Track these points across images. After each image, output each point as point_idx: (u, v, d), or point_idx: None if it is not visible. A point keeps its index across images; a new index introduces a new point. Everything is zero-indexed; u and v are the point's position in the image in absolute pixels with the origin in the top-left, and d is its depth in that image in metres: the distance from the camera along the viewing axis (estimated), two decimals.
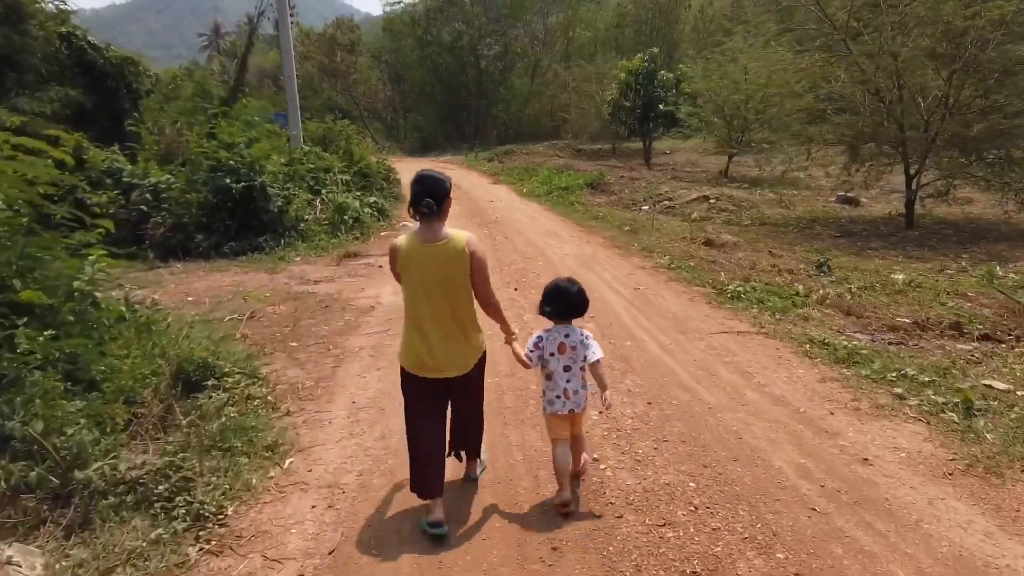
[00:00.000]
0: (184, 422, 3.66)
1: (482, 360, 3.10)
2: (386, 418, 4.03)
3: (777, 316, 5.78)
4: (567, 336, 3.05)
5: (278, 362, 5.09)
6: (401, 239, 2.91)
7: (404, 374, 3.01)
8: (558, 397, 3.04)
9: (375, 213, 12.08)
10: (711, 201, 13.75)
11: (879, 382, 4.38)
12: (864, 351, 4.87)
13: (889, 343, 5.20)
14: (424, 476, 2.95)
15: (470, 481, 3.32)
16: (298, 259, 9.16)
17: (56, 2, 13.29)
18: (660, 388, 4.39)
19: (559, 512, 2.99)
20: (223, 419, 3.73)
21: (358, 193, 12.41)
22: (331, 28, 42.03)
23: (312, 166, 12.05)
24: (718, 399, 4.23)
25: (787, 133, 13.15)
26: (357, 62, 41.65)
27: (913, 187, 10.97)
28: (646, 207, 14.63)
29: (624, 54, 31.80)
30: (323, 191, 11.73)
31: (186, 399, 3.93)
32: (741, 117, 18.02)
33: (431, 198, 2.80)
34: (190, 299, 7.06)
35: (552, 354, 3.05)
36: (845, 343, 5.01)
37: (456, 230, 2.91)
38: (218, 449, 3.48)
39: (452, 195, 2.93)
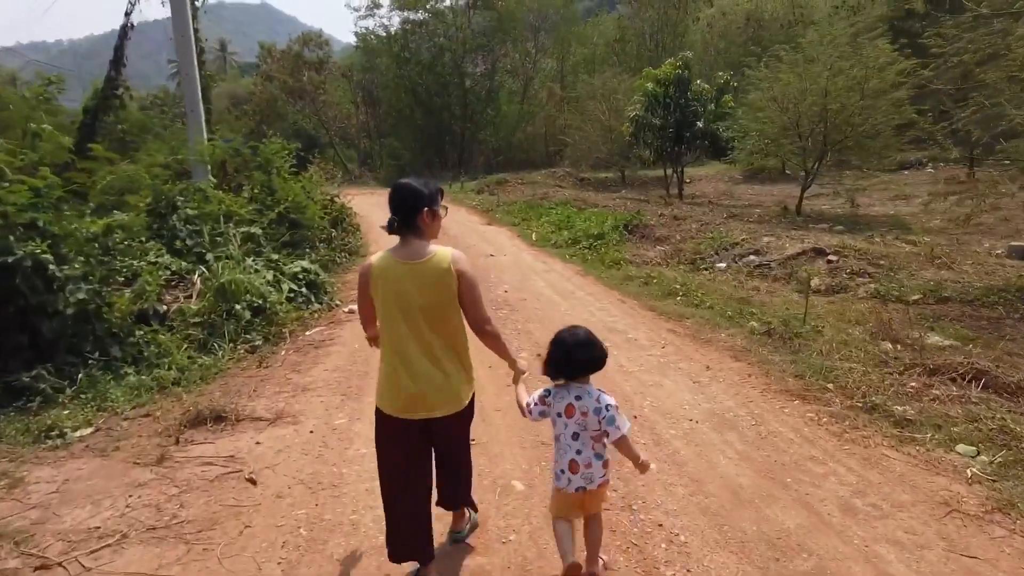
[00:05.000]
0: None
1: (473, 398, 2.59)
2: None
3: None
4: (578, 398, 2.38)
5: None
6: (375, 256, 2.46)
7: (380, 417, 2.47)
8: (563, 471, 2.40)
9: (303, 292, 7.06)
10: (830, 258, 8.97)
11: None
12: None
13: None
14: (406, 538, 2.48)
15: (456, 542, 2.78)
16: (86, 433, 4.10)
17: None
18: None
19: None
20: None
21: (275, 257, 7.38)
22: (296, 44, 37.36)
23: (192, 212, 7.05)
24: None
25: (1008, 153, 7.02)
26: (326, 82, 36.88)
27: None
28: (722, 264, 9.85)
29: (628, 72, 27.46)
30: (209, 256, 6.73)
31: None
32: (820, 135, 13.42)
33: (398, 212, 2.38)
34: None
35: (559, 415, 2.41)
36: None
37: (440, 246, 2.43)
38: None
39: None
